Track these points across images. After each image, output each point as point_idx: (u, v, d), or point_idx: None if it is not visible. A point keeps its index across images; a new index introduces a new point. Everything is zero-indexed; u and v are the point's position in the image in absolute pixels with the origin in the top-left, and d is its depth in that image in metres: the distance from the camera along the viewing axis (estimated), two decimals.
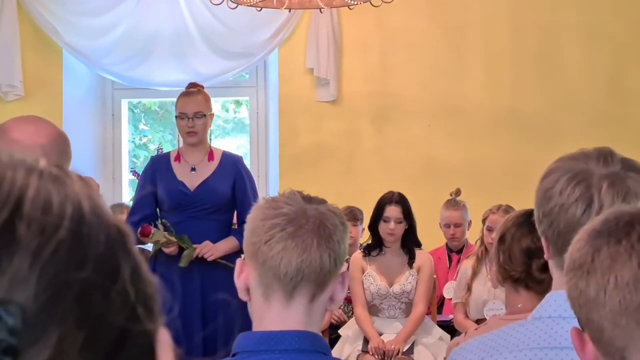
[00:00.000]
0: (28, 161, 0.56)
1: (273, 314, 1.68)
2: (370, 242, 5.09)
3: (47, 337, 0.51)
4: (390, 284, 5.00)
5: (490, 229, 4.83)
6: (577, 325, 1.56)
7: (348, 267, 5.30)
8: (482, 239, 4.94)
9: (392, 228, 4.93)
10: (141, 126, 7.79)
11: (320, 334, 1.78)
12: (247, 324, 1.76)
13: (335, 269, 1.68)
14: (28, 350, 0.50)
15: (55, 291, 0.51)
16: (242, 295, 1.72)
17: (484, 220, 5.00)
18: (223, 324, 4.16)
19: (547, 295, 1.64)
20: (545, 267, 2.39)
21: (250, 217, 1.72)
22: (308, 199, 1.72)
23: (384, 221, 4.95)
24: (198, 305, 4.43)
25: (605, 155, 1.58)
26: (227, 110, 7.66)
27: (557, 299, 1.61)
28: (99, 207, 0.56)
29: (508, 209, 4.89)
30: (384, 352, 4.84)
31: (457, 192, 5.70)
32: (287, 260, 1.64)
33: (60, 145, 2.38)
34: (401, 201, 4.97)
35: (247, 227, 1.71)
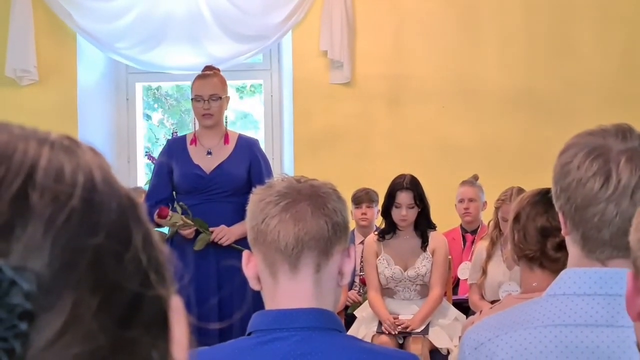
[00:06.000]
0: (40, 132, 0.57)
1: (282, 289, 1.69)
2: (383, 227, 5.08)
3: (62, 302, 0.52)
4: (405, 268, 5.00)
5: (506, 220, 4.81)
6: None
7: (362, 250, 5.32)
8: (495, 222, 4.93)
9: (404, 214, 4.92)
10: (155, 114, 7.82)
11: (335, 312, 1.79)
12: (262, 307, 1.77)
13: (335, 236, 1.70)
14: (43, 316, 0.51)
15: (69, 257, 0.52)
16: (253, 285, 1.74)
17: (497, 209, 4.97)
18: (238, 301, 4.19)
19: (562, 273, 1.64)
20: (560, 246, 2.39)
21: (248, 205, 1.74)
22: (300, 180, 1.75)
23: (396, 207, 4.94)
24: (214, 288, 4.44)
25: (623, 131, 1.57)
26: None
27: (571, 276, 1.60)
28: (110, 176, 0.57)
29: (520, 192, 4.88)
30: (396, 328, 4.85)
31: (475, 178, 5.72)
32: (284, 232, 1.66)
33: None
34: (412, 186, 4.93)
35: (247, 215, 1.74)
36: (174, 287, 0.59)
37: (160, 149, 5.44)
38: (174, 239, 4.55)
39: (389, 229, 5.02)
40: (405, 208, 4.92)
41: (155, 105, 7.91)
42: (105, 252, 0.53)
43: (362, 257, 5.37)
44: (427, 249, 5.00)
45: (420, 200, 4.93)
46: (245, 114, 7.76)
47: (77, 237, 0.53)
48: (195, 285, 4.34)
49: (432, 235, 5.03)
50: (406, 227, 4.99)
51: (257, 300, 1.82)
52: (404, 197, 4.92)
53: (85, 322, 0.52)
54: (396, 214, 4.95)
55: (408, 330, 4.87)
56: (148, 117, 7.70)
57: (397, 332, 4.87)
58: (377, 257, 5.03)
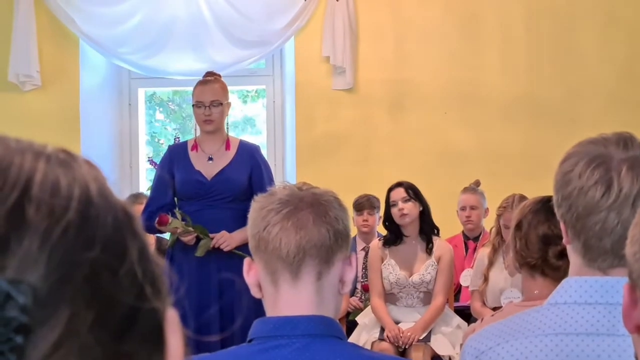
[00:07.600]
0: (35, 146, 0.57)
1: (284, 297, 1.69)
2: (388, 236, 5.08)
3: (57, 316, 0.52)
4: (410, 274, 5.00)
5: (508, 227, 4.80)
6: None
7: (366, 254, 5.31)
8: (497, 229, 4.92)
9: (402, 207, 4.94)
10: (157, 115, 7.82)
11: (336, 319, 1.79)
12: (263, 314, 1.76)
13: (337, 244, 1.70)
14: (39, 329, 0.51)
15: (65, 271, 0.52)
16: (254, 292, 1.74)
17: (499, 216, 4.96)
18: (239, 308, 4.18)
19: (563, 281, 1.63)
20: (561, 254, 2.38)
21: (249, 213, 1.74)
22: (301, 187, 1.75)
23: (392, 205, 4.97)
24: (215, 296, 4.44)
25: (625, 140, 1.57)
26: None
27: (572, 285, 1.60)
28: (106, 190, 0.57)
29: (522, 199, 4.87)
30: (400, 339, 4.85)
31: (477, 184, 5.70)
32: (286, 240, 1.67)
33: None
34: (403, 182, 5.02)
35: (248, 222, 1.74)
36: (169, 299, 0.59)
37: (162, 154, 5.44)
38: (175, 248, 4.55)
39: (394, 238, 5.02)
40: (401, 202, 4.95)
41: (160, 110, 7.90)
42: (101, 266, 0.54)
43: (364, 263, 5.36)
44: (433, 255, 5.00)
45: (415, 194, 4.96)
46: (247, 118, 7.76)
47: (73, 250, 0.53)
48: (197, 293, 4.35)
49: (438, 243, 5.03)
50: (410, 226, 4.99)
51: (258, 308, 1.82)
52: (397, 193, 4.99)
53: (81, 336, 0.52)
54: (396, 213, 4.97)
55: (411, 342, 4.86)
56: (151, 123, 7.70)
57: (400, 345, 4.86)
58: (382, 262, 5.03)
